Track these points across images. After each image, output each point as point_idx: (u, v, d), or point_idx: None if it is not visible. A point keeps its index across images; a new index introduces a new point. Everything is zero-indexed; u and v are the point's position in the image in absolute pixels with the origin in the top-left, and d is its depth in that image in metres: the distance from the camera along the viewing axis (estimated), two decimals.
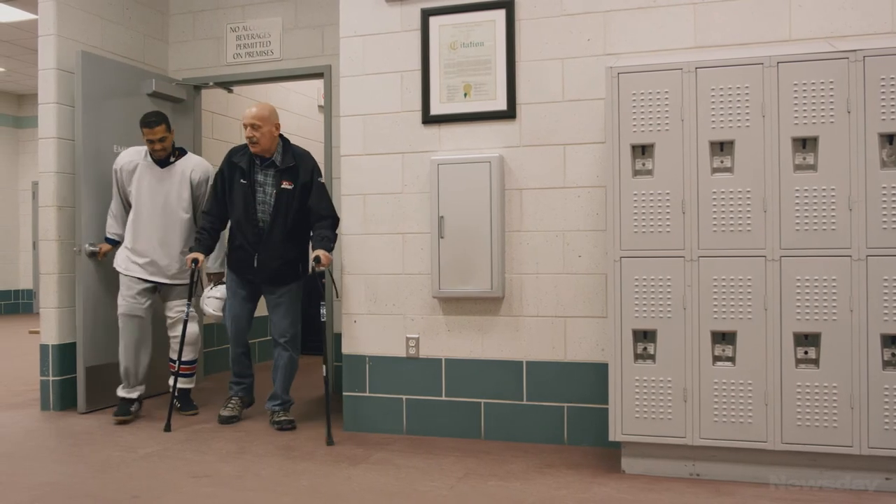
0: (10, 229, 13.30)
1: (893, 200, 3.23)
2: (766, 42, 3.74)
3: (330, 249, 4.34)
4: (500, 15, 4.15)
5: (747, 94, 3.38)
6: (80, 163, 4.96)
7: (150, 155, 4.81)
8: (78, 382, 4.94)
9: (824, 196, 3.29)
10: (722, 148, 3.43)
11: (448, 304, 4.23)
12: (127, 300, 4.76)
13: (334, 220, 4.46)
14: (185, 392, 4.95)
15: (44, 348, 5.08)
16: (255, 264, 4.45)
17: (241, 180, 4.45)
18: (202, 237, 4.60)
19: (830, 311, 3.28)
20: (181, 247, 4.84)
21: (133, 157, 4.88)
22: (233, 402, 4.70)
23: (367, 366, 4.36)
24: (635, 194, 3.51)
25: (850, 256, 3.26)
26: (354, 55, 4.41)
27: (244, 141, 4.50)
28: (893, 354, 3.25)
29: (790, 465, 3.37)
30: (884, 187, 3.24)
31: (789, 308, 3.32)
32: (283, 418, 4.49)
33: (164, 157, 4.81)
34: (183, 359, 4.81)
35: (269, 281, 4.51)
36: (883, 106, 3.24)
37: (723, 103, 3.41)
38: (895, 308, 3.22)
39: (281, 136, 4.53)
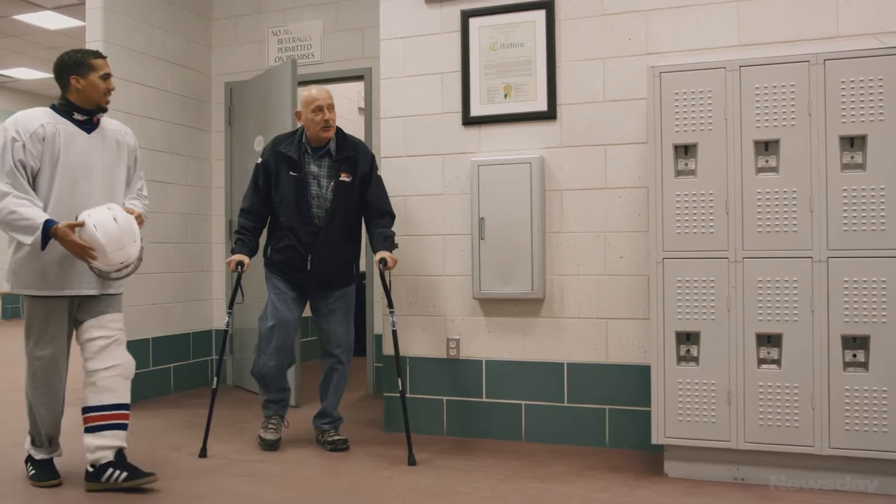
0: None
1: None
2: (812, 39, 3.67)
3: (393, 249, 3.97)
4: (540, 15, 4.13)
5: (793, 92, 3.32)
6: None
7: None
8: None
9: (873, 196, 3.22)
10: (766, 147, 3.38)
11: (488, 306, 4.23)
12: (55, 335, 3.39)
13: (393, 217, 4.07)
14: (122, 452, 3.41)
15: None
16: (309, 267, 3.93)
17: (291, 172, 3.92)
18: (245, 237, 4.01)
19: (880, 313, 3.21)
20: None
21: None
22: (273, 421, 4.11)
23: (408, 367, 4.37)
24: (678, 195, 3.47)
25: None
26: (395, 57, 4.43)
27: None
28: None
29: (838, 471, 3.30)
30: None
31: (837, 310, 3.26)
32: (336, 438, 4.04)
33: None
34: (123, 400, 3.42)
35: (323, 285, 4.01)
36: None
37: (767, 102, 3.36)
38: None
39: None
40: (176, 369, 5.72)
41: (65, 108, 3.40)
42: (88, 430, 3.36)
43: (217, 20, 6.10)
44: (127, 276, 3.38)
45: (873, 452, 3.22)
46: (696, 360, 3.46)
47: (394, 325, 3.93)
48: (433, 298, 4.33)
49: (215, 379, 4.01)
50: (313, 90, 3.94)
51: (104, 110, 3.45)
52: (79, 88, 3.35)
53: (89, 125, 3.42)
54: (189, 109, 5.86)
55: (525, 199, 4.08)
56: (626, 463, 3.75)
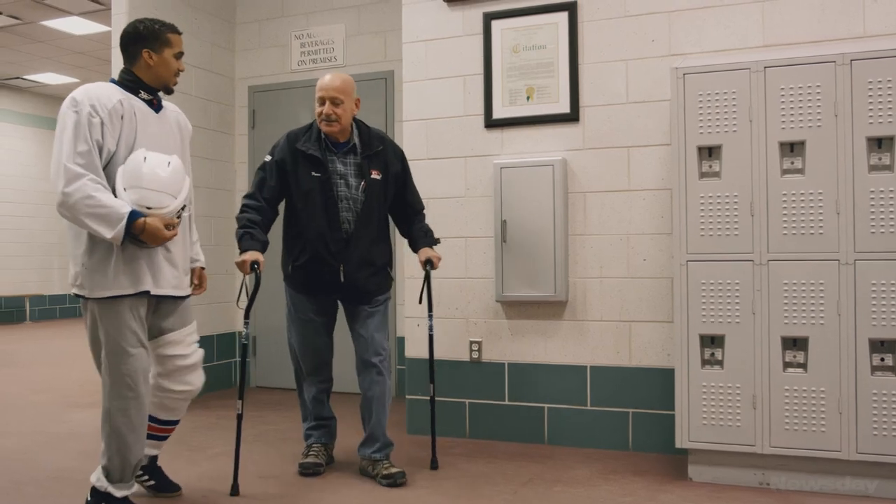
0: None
1: None
2: (838, 39, 3.63)
3: (435, 245, 3.69)
4: (562, 17, 4.12)
5: (819, 93, 3.29)
6: None
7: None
8: None
9: None
10: (792, 149, 3.35)
11: (511, 308, 4.22)
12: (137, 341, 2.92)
13: (424, 213, 3.81)
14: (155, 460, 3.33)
15: None
16: (342, 279, 3.48)
17: (314, 173, 3.45)
18: (255, 231, 3.40)
19: None
20: None
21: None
22: (315, 448, 3.70)
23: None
24: (702, 197, 3.45)
25: None
26: (417, 60, 4.44)
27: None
28: None
29: (865, 476, 3.26)
30: None
31: (864, 313, 3.22)
32: (393, 471, 3.46)
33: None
34: (178, 417, 3.23)
35: (358, 297, 3.58)
36: None
37: (793, 103, 3.33)
38: None
39: None
40: None
41: (130, 84, 2.96)
42: None
43: (241, 24, 6.14)
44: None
45: None
46: (720, 363, 3.43)
47: (431, 330, 3.70)
48: (455, 301, 4.33)
49: (239, 403, 3.35)
50: (325, 76, 3.51)
51: (170, 92, 3.06)
52: (150, 64, 2.95)
53: (155, 105, 3.02)
54: (212, 113, 5.90)
55: (548, 202, 4.07)
56: (650, 467, 3.73)
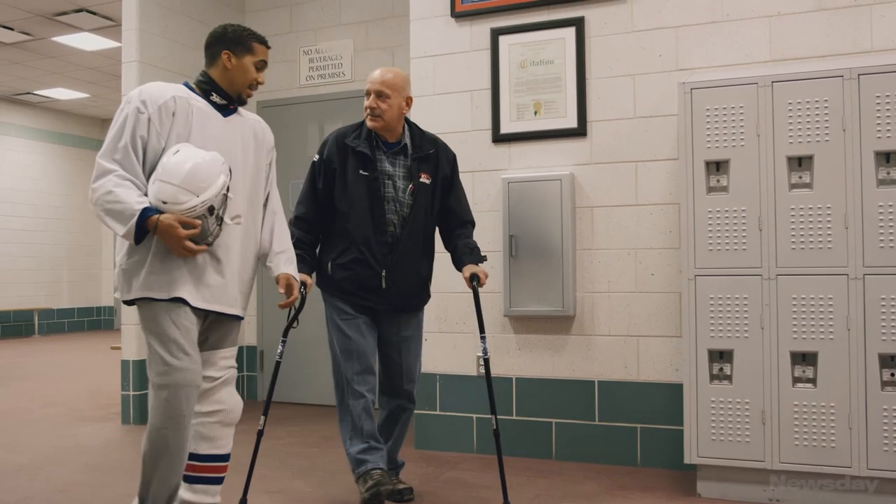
0: (93, 248, 13.82)
1: None
2: (845, 54, 3.63)
3: (481, 262, 3.41)
4: (570, 33, 4.14)
5: (826, 107, 3.29)
6: None
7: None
8: None
9: None
10: (800, 163, 3.34)
11: (518, 323, 4.21)
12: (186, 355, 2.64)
13: (474, 227, 3.56)
14: None
15: (125, 364, 5.23)
16: (384, 285, 3.30)
17: (362, 171, 3.29)
18: (304, 252, 3.30)
19: None
20: None
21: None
22: (376, 474, 3.21)
23: (438, 384, 4.36)
24: (710, 211, 3.45)
25: None
26: (425, 75, 4.46)
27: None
28: None
29: (877, 493, 3.23)
30: None
31: (874, 328, 3.20)
32: (400, 487, 3.40)
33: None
34: (222, 451, 2.87)
35: (398, 308, 3.38)
36: None
37: (800, 118, 3.33)
38: None
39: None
40: None
41: (203, 86, 2.81)
42: (184, 477, 2.76)
43: None
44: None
45: None
46: (729, 378, 3.42)
47: (486, 353, 3.32)
48: (463, 315, 4.33)
49: (263, 419, 3.18)
50: (376, 70, 3.38)
51: (243, 103, 2.88)
52: (227, 67, 2.79)
53: (226, 110, 2.83)
54: None
55: (555, 216, 4.07)
56: (659, 483, 3.71)
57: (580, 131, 4.11)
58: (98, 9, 7.96)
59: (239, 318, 2.84)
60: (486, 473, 3.88)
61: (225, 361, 2.83)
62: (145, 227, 2.53)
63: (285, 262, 2.94)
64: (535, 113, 4.21)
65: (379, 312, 3.37)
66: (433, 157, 3.39)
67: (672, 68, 3.95)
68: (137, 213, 2.52)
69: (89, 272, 13.76)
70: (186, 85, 2.80)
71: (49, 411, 5.84)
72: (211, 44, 2.84)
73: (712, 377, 3.44)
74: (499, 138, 4.28)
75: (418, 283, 3.41)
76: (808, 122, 3.31)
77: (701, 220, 3.46)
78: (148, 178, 2.61)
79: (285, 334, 3.24)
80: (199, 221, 2.56)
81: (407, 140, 3.39)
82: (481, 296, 3.42)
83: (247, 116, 2.91)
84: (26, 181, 12.84)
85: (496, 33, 4.28)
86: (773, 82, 3.37)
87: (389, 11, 5.66)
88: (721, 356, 3.43)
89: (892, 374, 3.19)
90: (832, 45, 3.67)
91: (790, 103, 3.34)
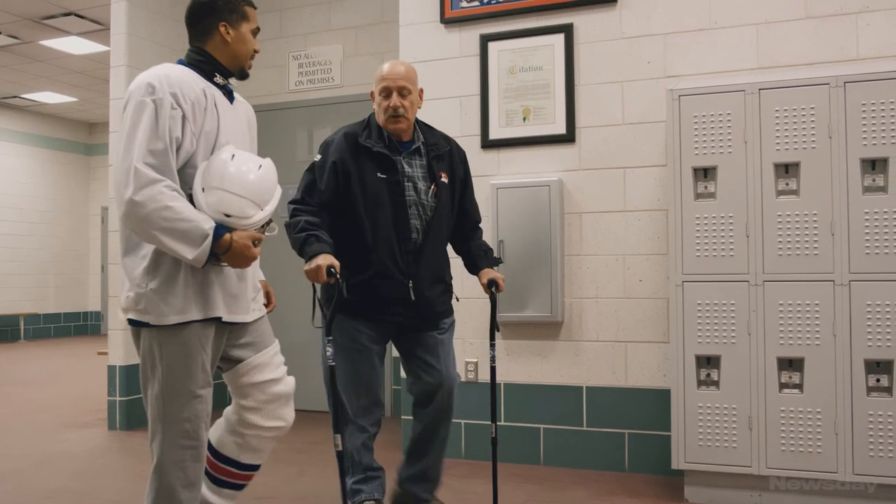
0: (80, 253, 13.75)
1: None
2: (832, 62, 3.66)
3: (497, 265, 3.24)
4: (558, 39, 4.15)
5: (813, 115, 3.32)
6: None
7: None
8: None
9: (895, 218, 3.20)
10: (787, 170, 3.36)
11: (507, 329, 4.21)
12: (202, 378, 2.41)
13: (482, 227, 3.36)
14: None
15: (111, 369, 5.21)
16: (412, 297, 2.97)
17: (380, 174, 2.95)
18: (319, 232, 2.85)
19: None
20: None
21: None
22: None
23: None
24: (697, 217, 3.46)
25: None
26: None
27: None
28: None
29: (863, 498, 3.25)
30: None
31: (860, 334, 3.22)
32: None
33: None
34: (262, 461, 2.70)
35: (426, 319, 3.07)
36: None
37: (787, 125, 3.35)
38: None
39: None
40: None
41: (203, 66, 2.45)
42: (211, 477, 2.62)
43: None
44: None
45: None
46: (716, 384, 3.43)
47: (493, 361, 3.14)
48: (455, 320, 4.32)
49: (339, 438, 2.77)
50: (385, 65, 3.04)
51: (245, 76, 2.55)
52: (227, 40, 2.45)
53: (228, 93, 2.52)
54: None
55: (544, 222, 4.08)
56: (646, 488, 3.71)
57: (569, 137, 4.12)
58: (86, 13, 7.93)
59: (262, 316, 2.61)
60: (475, 479, 3.88)
61: (278, 359, 2.58)
62: (212, 247, 2.21)
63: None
64: (524, 119, 4.22)
65: (405, 328, 3.06)
66: (448, 154, 3.12)
67: (660, 75, 3.97)
68: (210, 234, 2.19)
69: (76, 277, 13.68)
70: (181, 62, 2.48)
71: (35, 417, 5.80)
72: (200, 16, 2.47)
73: (700, 383, 3.46)
74: (488, 144, 4.29)
75: (445, 289, 3.14)
76: (795, 129, 3.34)
77: (689, 227, 3.48)
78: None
79: (328, 332, 2.79)
80: (263, 237, 2.33)
81: (419, 137, 3.08)
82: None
83: (239, 100, 2.61)
84: (13, 185, 12.76)
85: (485, 39, 4.30)
86: (760, 89, 3.39)
87: (379, 17, 5.67)
88: (708, 362, 3.45)
89: (878, 380, 3.21)
90: (819, 52, 3.70)
91: (777, 110, 3.36)
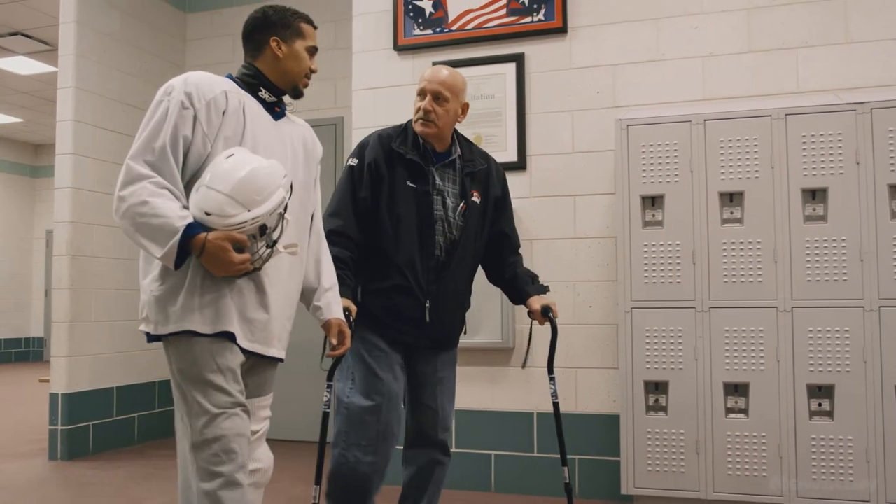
0: (23, 277, 13.39)
1: None
2: (774, 94, 3.77)
3: (547, 292, 2.97)
4: (510, 68, 4.21)
5: (756, 145, 3.41)
6: None
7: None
8: None
9: (835, 246, 3.29)
10: (731, 199, 3.45)
11: (458, 355, 4.20)
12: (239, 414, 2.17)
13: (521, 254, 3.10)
14: None
15: (53, 397, 5.07)
16: (427, 318, 2.74)
17: (410, 182, 2.75)
18: (345, 273, 2.66)
19: (844, 362, 3.26)
20: None
21: None
22: None
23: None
24: (645, 245, 3.52)
25: (862, 307, 3.25)
26: (366, 107, 4.47)
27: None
28: None
29: None
30: (895, 238, 3.24)
31: (802, 359, 3.30)
32: None
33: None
34: None
35: (438, 344, 2.85)
36: (892, 157, 3.26)
37: (732, 155, 3.44)
38: None
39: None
40: (141, 419, 5.61)
41: (250, 80, 2.35)
42: None
43: (190, 68, 6.12)
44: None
45: (841, 503, 3.23)
46: (664, 409, 3.47)
47: (555, 396, 2.93)
48: None
49: (317, 490, 2.66)
50: (429, 70, 2.89)
51: (299, 95, 2.43)
52: (278, 56, 2.34)
53: (274, 111, 2.38)
54: None
55: None
56: None
57: (520, 165, 4.17)
58: (34, 33, 7.80)
59: (279, 361, 2.34)
60: None
61: (263, 412, 2.35)
62: (187, 247, 2.04)
63: (336, 302, 2.48)
64: None
65: (415, 349, 2.81)
66: (484, 172, 2.88)
67: (609, 105, 4.04)
68: (180, 232, 2.02)
69: (18, 301, 13.31)
70: (230, 77, 2.34)
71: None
72: (252, 31, 2.37)
73: (648, 408, 3.49)
74: None
75: (461, 318, 2.92)
76: (739, 159, 3.43)
77: (637, 254, 3.53)
78: (187, 190, 2.13)
79: (330, 377, 2.67)
80: (247, 240, 2.10)
81: (456, 151, 2.85)
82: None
83: (297, 122, 2.48)
84: None
85: None
86: (705, 120, 3.48)
87: (332, 43, 5.68)
88: (657, 387, 3.49)
89: (819, 404, 3.28)
90: (762, 85, 3.81)
91: (722, 141, 3.45)
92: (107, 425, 5.25)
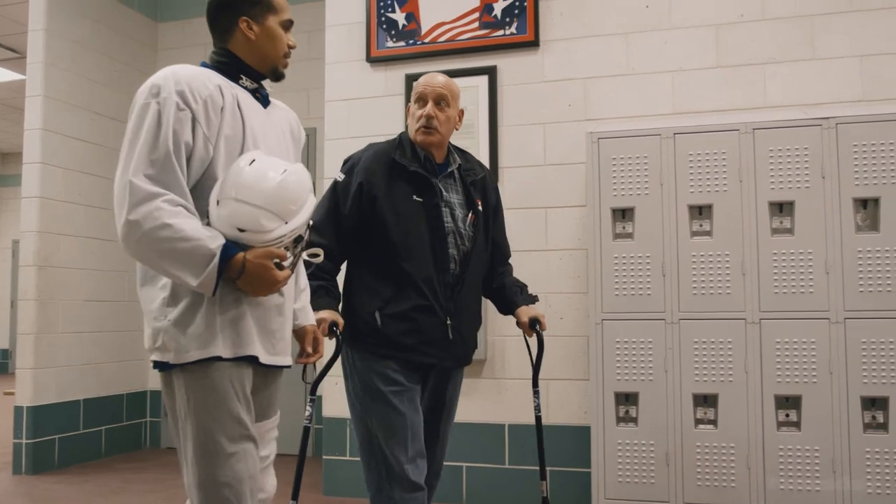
0: None
1: (868, 264, 3.28)
2: (742, 109, 3.83)
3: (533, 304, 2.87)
4: (482, 81, 4.23)
5: (724, 159, 3.45)
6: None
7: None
8: None
9: (801, 259, 3.34)
10: (700, 212, 3.49)
11: None
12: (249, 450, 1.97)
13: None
14: None
15: (18, 410, 4.98)
16: (451, 335, 2.58)
17: (416, 197, 2.58)
18: (329, 283, 2.58)
19: (810, 373, 3.30)
20: None
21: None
22: None
23: (348, 429, 4.30)
24: (616, 257, 3.55)
25: (827, 319, 3.30)
26: (339, 118, 4.47)
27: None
28: (874, 417, 3.26)
29: None
30: (859, 251, 3.29)
31: (769, 370, 3.34)
32: None
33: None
34: None
35: (460, 361, 2.68)
36: (857, 171, 3.32)
37: (701, 168, 3.48)
38: (874, 370, 3.24)
39: None
40: (108, 432, 5.53)
41: (226, 67, 2.09)
42: None
43: None
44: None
45: None
46: (634, 420, 3.49)
47: (538, 410, 2.84)
48: None
49: None
50: (426, 75, 2.70)
51: (280, 77, 2.20)
52: (250, 37, 2.10)
53: (261, 97, 2.16)
54: None
55: None
56: None
57: None
58: (2, 40, 7.70)
59: (286, 368, 2.13)
60: None
61: (272, 434, 2.12)
62: (223, 270, 1.83)
63: (307, 306, 2.30)
64: None
65: (435, 370, 2.63)
66: (483, 181, 2.77)
67: (581, 118, 4.08)
68: (217, 255, 1.80)
69: None
70: (204, 65, 2.09)
71: None
72: (217, 14, 2.13)
73: (619, 420, 3.51)
74: None
75: (476, 332, 2.77)
76: (708, 172, 3.47)
77: (608, 266, 3.56)
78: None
79: (314, 392, 2.57)
80: (290, 256, 1.92)
81: (456, 161, 2.72)
82: None
83: (281, 106, 2.27)
84: None
85: (411, 79, 4.34)
86: (675, 134, 3.52)
87: (305, 54, 5.67)
88: (627, 399, 3.51)
89: (787, 415, 3.32)
90: (731, 99, 3.86)
91: (691, 154, 3.49)
92: (73, 438, 5.17)
